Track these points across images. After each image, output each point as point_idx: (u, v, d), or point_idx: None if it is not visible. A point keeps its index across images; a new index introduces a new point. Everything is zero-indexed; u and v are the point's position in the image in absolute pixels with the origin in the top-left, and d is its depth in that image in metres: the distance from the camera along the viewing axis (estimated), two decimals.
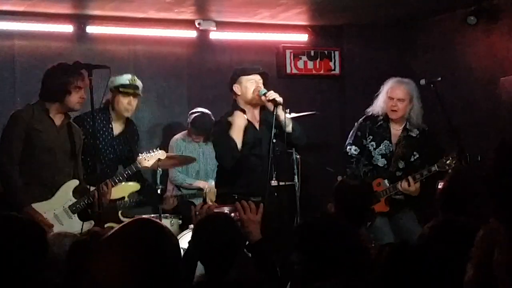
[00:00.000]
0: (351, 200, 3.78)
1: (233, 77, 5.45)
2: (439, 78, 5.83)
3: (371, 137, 5.74)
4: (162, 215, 5.79)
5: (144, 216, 3.64)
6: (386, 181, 5.63)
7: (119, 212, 5.34)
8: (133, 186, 5.46)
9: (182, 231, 5.86)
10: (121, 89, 5.47)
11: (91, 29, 6.68)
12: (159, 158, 5.32)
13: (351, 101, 7.59)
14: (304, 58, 7.57)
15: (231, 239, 3.25)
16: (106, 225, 5.13)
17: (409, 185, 5.46)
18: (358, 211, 3.76)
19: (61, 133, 4.97)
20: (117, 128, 5.55)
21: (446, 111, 5.78)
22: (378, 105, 5.71)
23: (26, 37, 6.50)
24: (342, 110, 7.67)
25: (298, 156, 5.74)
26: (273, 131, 5.30)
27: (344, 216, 3.70)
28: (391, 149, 5.70)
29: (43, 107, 4.91)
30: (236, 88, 5.41)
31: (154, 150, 5.33)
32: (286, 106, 5.46)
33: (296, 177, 5.63)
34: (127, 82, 5.52)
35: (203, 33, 7.11)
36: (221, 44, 7.24)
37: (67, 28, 6.62)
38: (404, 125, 5.71)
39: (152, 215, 5.69)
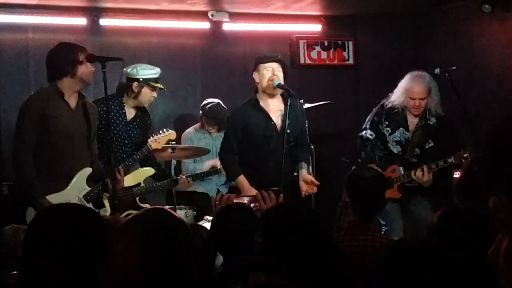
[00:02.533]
0: (365, 191, 3.76)
1: (254, 65, 5.47)
2: (454, 67, 5.80)
3: (386, 122, 5.74)
4: (176, 206, 5.81)
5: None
6: (401, 168, 5.65)
7: (137, 198, 5.33)
8: (147, 171, 5.45)
9: (197, 222, 5.87)
10: (151, 83, 5.43)
11: (104, 21, 6.70)
12: (171, 145, 5.31)
13: (365, 91, 7.57)
14: (318, 48, 7.54)
15: (250, 230, 3.25)
16: (125, 213, 5.16)
17: (423, 174, 5.46)
18: (371, 203, 3.74)
19: (77, 116, 4.91)
20: (130, 113, 5.53)
21: (461, 100, 5.76)
22: (397, 100, 5.66)
23: (40, 30, 6.52)
24: (356, 100, 7.64)
25: (312, 147, 5.72)
26: (287, 121, 5.30)
27: (357, 207, 3.69)
28: (407, 137, 5.70)
29: (57, 89, 4.84)
30: (255, 76, 5.43)
31: (164, 131, 5.31)
32: (300, 96, 5.45)
33: (310, 167, 5.62)
34: (158, 76, 5.50)
35: (216, 25, 7.10)
36: (234, 35, 7.23)
37: (81, 21, 6.64)
38: (422, 114, 5.68)
39: (167, 207, 5.70)
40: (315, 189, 5.40)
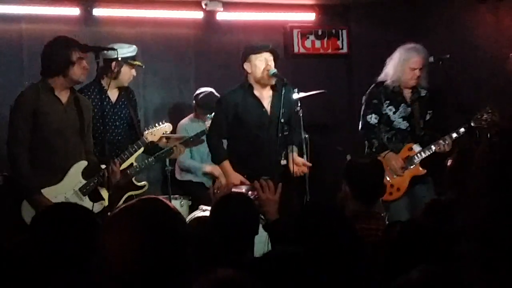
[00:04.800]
0: (362, 178, 3.77)
1: (243, 55, 5.43)
2: (448, 56, 5.80)
3: (388, 101, 5.78)
4: (171, 196, 5.81)
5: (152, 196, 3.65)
6: (416, 145, 5.68)
7: (133, 179, 5.30)
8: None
9: (192, 212, 5.89)
10: (130, 61, 5.36)
11: (97, 11, 6.68)
12: (166, 136, 5.29)
13: (359, 80, 7.56)
14: (312, 37, 7.53)
15: (249, 220, 3.26)
16: (126, 195, 5.14)
17: (445, 144, 5.50)
18: (370, 189, 3.75)
19: (69, 111, 4.89)
20: (113, 95, 5.44)
21: (455, 88, 5.78)
22: (395, 75, 5.71)
23: (33, 21, 6.50)
24: (350, 89, 7.65)
25: (306, 136, 5.73)
26: (281, 110, 5.30)
27: (357, 195, 3.70)
28: (409, 112, 5.76)
29: (48, 85, 4.82)
30: (246, 66, 5.40)
31: (160, 124, 5.29)
32: (294, 85, 5.45)
33: (304, 156, 5.63)
34: (135, 54, 5.42)
35: (210, 14, 7.09)
36: (228, 24, 7.22)
37: (74, 11, 6.63)
38: (413, 87, 5.76)
39: (162, 196, 5.69)
40: (306, 169, 5.40)
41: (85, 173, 4.92)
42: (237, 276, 1.75)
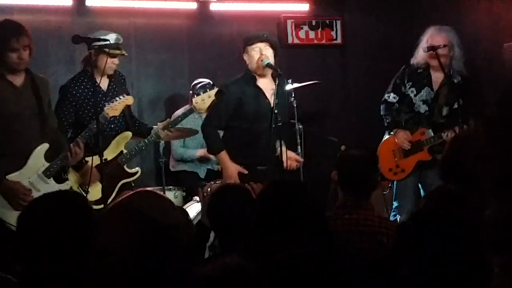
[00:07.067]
0: (353, 170, 3.75)
1: (242, 47, 5.43)
2: (442, 45, 5.79)
3: (410, 83, 5.75)
4: (165, 187, 5.80)
5: (147, 188, 3.64)
6: (430, 130, 5.66)
7: (125, 166, 5.24)
8: (125, 136, 5.28)
9: (186, 202, 5.89)
10: (105, 49, 5.12)
11: (90, 2, 6.66)
12: (126, 104, 5.19)
13: (353, 70, 7.57)
14: (306, 28, 7.52)
15: (246, 209, 3.25)
16: (119, 183, 5.10)
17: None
18: (361, 181, 3.72)
19: (25, 93, 4.75)
20: (103, 83, 5.29)
21: (448, 77, 5.77)
22: (419, 55, 5.71)
23: (26, 12, 6.46)
24: (345, 80, 7.64)
25: (300, 126, 5.72)
26: (275, 101, 5.29)
27: (345, 186, 3.70)
28: (432, 96, 5.71)
29: None
30: (245, 57, 5.40)
31: (121, 97, 5.15)
32: (288, 76, 5.44)
33: (299, 147, 5.63)
34: (112, 43, 5.15)
35: (204, 5, 7.07)
36: (222, 15, 7.20)
37: (66, 2, 6.61)
38: (447, 72, 5.68)
39: (156, 188, 5.69)
40: (297, 164, 5.41)
41: (47, 156, 4.82)
42: (243, 263, 1.76)
